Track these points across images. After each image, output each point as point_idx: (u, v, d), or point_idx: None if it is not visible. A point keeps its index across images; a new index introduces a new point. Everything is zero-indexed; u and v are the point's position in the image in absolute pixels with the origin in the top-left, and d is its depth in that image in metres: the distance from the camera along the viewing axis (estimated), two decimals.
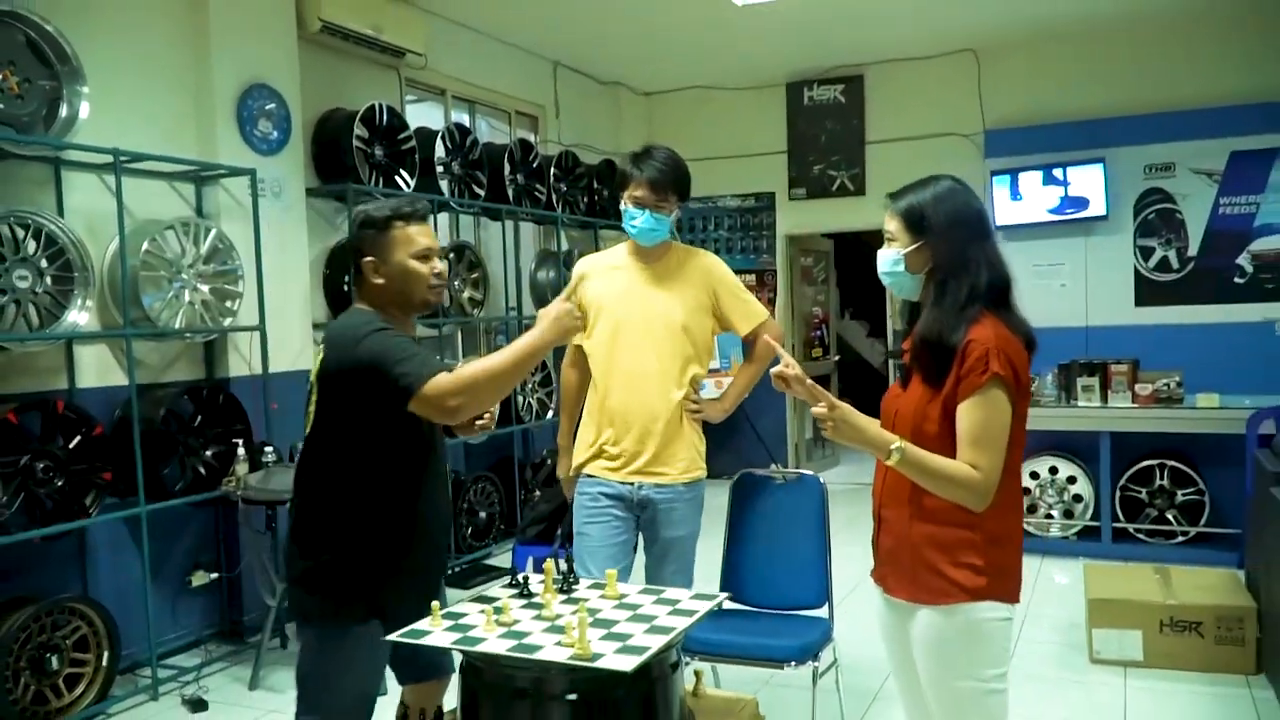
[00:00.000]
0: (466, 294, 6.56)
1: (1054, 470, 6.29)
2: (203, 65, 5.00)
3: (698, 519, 3.30)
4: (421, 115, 6.96)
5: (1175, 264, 7.64)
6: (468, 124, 7.31)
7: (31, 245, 4.09)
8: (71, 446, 4.16)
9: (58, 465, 4.10)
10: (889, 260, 2.30)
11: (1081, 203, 7.75)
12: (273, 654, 4.77)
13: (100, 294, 4.47)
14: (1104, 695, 4.07)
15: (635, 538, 3.30)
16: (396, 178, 6.01)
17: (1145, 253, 7.71)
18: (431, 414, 2.33)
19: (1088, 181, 7.71)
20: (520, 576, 2.47)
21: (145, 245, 4.49)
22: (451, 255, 6.43)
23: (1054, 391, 6.28)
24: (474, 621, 2.25)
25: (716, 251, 8.89)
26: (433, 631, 2.22)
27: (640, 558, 3.37)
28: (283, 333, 5.28)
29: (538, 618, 2.26)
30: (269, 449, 4.73)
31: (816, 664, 3.31)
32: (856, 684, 4.05)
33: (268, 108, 5.25)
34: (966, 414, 2.12)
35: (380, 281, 2.52)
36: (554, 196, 7.48)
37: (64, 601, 4.08)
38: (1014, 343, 2.17)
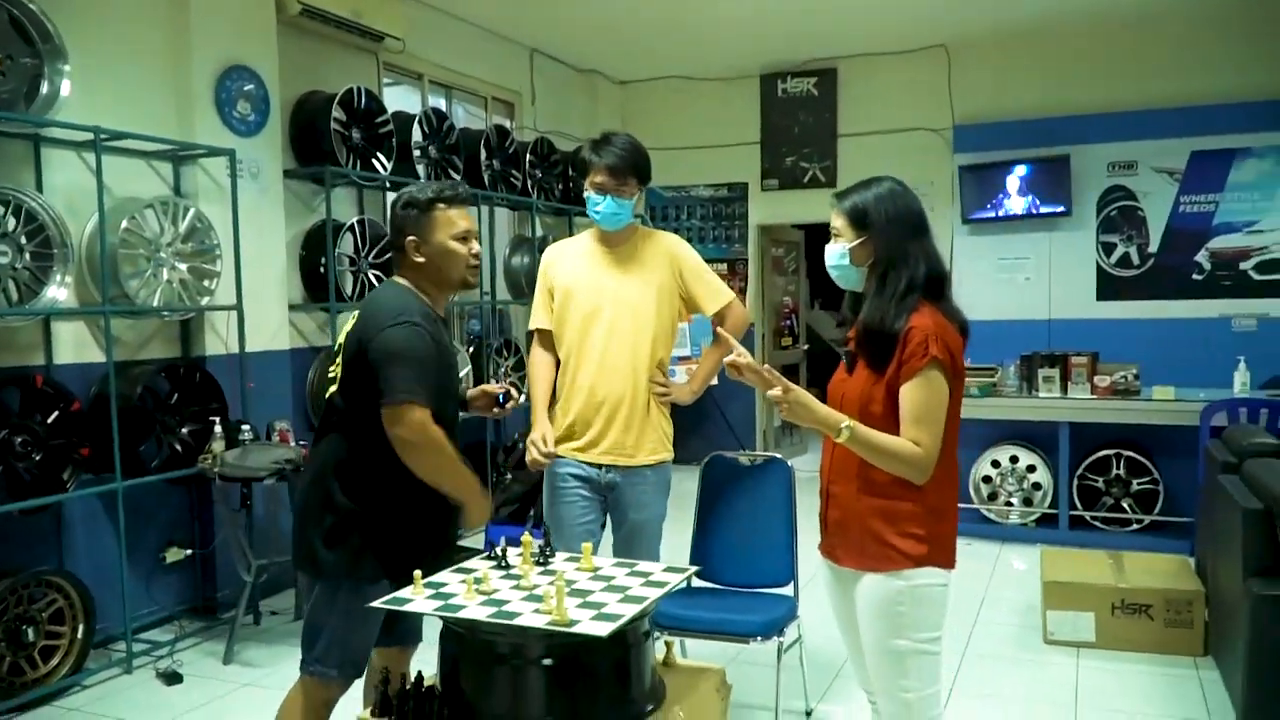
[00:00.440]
0: None
1: (1014, 459, 6.44)
2: (182, 46, 5.02)
3: (664, 502, 3.38)
4: (399, 99, 6.98)
5: (1136, 260, 7.82)
6: (444, 109, 7.34)
7: (11, 222, 4.11)
8: (50, 422, 4.20)
9: (36, 440, 4.14)
10: (835, 254, 2.46)
11: (1046, 198, 7.91)
12: (246, 630, 4.83)
13: (79, 271, 4.50)
14: (1057, 674, 4.22)
15: (603, 518, 3.38)
16: (374, 161, 6.04)
17: (1107, 248, 7.89)
18: (388, 426, 2.50)
19: (1053, 178, 7.87)
20: (498, 549, 2.56)
21: (124, 223, 4.52)
22: None
23: (1015, 382, 6.43)
24: (455, 590, 2.33)
25: (689, 241, 8.96)
26: (415, 599, 2.30)
27: (608, 539, 3.44)
28: (259, 313, 5.31)
29: (516, 587, 2.35)
30: (246, 427, 4.78)
31: (781, 640, 3.42)
32: (820, 660, 4.17)
33: (246, 89, 5.28)
34: (908, 394, 2.29)
35: (421, 260, 2.68)
36: (529, 183, 7.52)
37: (41, 574, 4.12)
38: (950, 330, 2.35)
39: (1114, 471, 6.18)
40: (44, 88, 4.30)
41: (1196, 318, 7.60)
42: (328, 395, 2.72)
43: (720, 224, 9.31)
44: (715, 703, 2.59)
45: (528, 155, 7.51)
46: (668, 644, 2.72)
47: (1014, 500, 6.46)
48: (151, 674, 4.33)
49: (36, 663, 4.08)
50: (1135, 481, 6.14)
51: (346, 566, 2.59)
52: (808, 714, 3.81)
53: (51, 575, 4.17)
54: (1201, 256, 7.65)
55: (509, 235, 7.93)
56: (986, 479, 6.50)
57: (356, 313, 2.70)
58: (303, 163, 5.85)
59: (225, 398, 4.97)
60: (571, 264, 3.37)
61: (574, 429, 3.30)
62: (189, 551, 4.99)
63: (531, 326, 3.47)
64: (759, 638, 3.35)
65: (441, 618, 2.24)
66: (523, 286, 7.60)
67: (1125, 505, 6.17)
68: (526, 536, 2.53)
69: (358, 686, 2.74)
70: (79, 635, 4.19)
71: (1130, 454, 6.13)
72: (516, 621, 2.13)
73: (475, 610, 2.20)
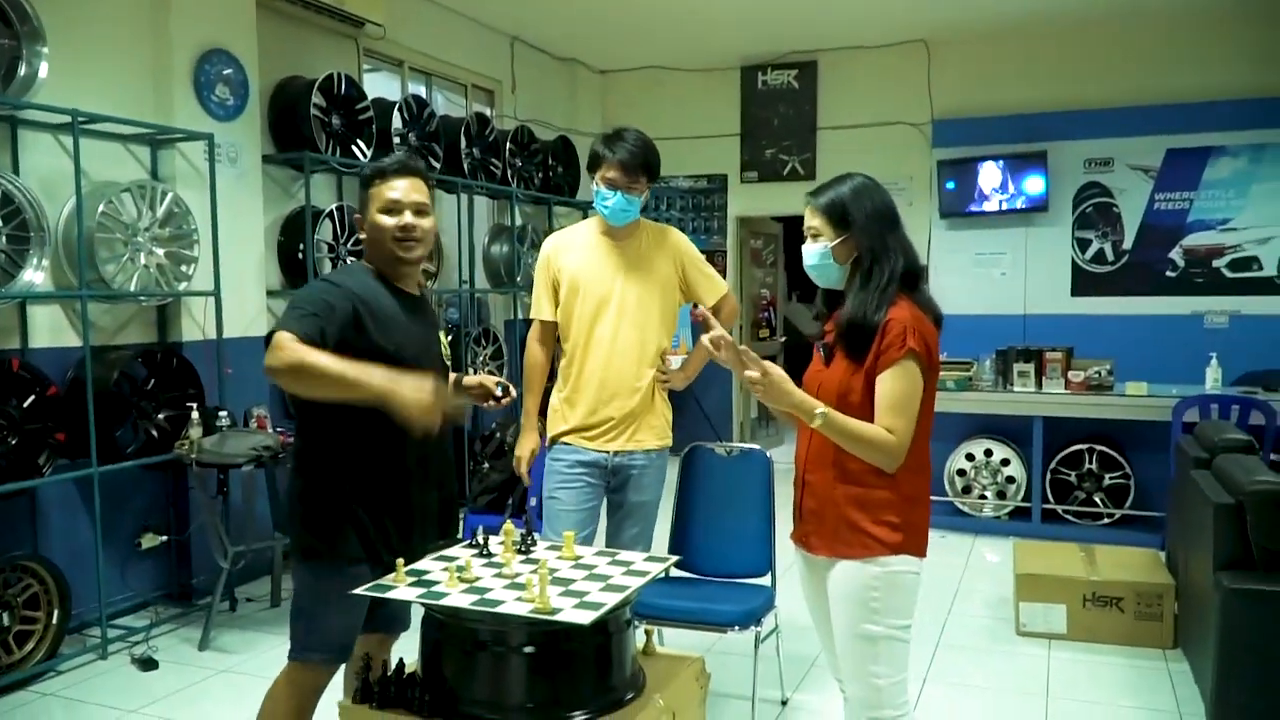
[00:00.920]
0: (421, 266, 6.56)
1: (989, 453, 6.50)
2: (161, 29, 4.99)
3: (662, 485, 3.48)
4: (378, 86, 6.96)
5: (1111, 256, 7.90)
6: (425, 96, 7.32)
7: None
8: (25, 406, 4.17)
9: (11, 424, 4.12)
10: (816, 254, 2.48)
11: (1023, 194, 7.97)
12: (222, 616, 4.82)
13: (55, 255, 4.47)
14: (1029, 665, 4.27)
15: (601, 505, 3.45)
16: (353, 148, 6.02)
17: (1083, 244, 7.97)
18: (267, 358, 2.39)
19: (1029, 174, 7.93)
20: (480, 537, 2.57)
21: (101, 207, 4.49)
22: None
23: (991, 376, 6.49)
24: (437, 578, 2.34)
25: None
26: (397, 586, 2.31)
27: (603, 522, 3.50)
28: (237, 298, 5.29)
29: (498, 575, 2.36)
30: (223, 413, 4.76)
31: (759, 629, 3.45)
32: (796, 650, 4.21)
33: (225, 73, 5.24)
34: (884, 384, 2.34)
35: (364, 238, 2.66)
36: (509, 171, 7.52)
37: (15, 559, 4.10)
38: (926, 322, 2.39)
39: (1086, 466, 6.25)
40: (22, 69, 4.27)
41: (1170, 314, 7.70)
42: None
43: (699, 215, 9.34)
44: (694, 691, 2.61)
45: (508, 144, 7.50)
46: (648, 632, 2.74)
47: (988, 493, 6.53)
48: (127, 660, 4.32)
49: (11, 648, 4.07)
50: (1107, 476, 6.22)
51: (319, 547, 2.60)
52: (784, 703, 3.85)
53: (26, 560, 4.15)
54: (1175, 254, 7.74)
55: (488, 224, 7.91)
56: (961, 472, 6.57)
57: None
58: (281, 148, 5.83)
59: (202, 384, 4.95)
60: (577, 255, 3.41)
61: (583, 419, 3.36)
62: (165, 538, 4.97)
63: (532, 316, 3.51)
64: (736, 627, 3.39)
65: (424, 605, 2.26)
66: (501, 275, 7.61)
67: (1097, 499, 6.25)
68: (508, 525, 2.55)
69: (339, 677, 2.75)
70: (54, 620, 4.18)
71: (1103, 449, 6.20)
72: (499, 610, 2.15)
73: (458, 598, 2.22)
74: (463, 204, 7.16)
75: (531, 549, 2.59)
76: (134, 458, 4.64)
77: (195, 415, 4.66)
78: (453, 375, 2.98)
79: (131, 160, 4.95)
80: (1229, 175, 7.58)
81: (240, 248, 5.34)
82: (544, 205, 8.24)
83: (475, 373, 6.94)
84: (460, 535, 2.77)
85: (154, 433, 4.76)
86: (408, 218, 2.60)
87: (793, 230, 10.22)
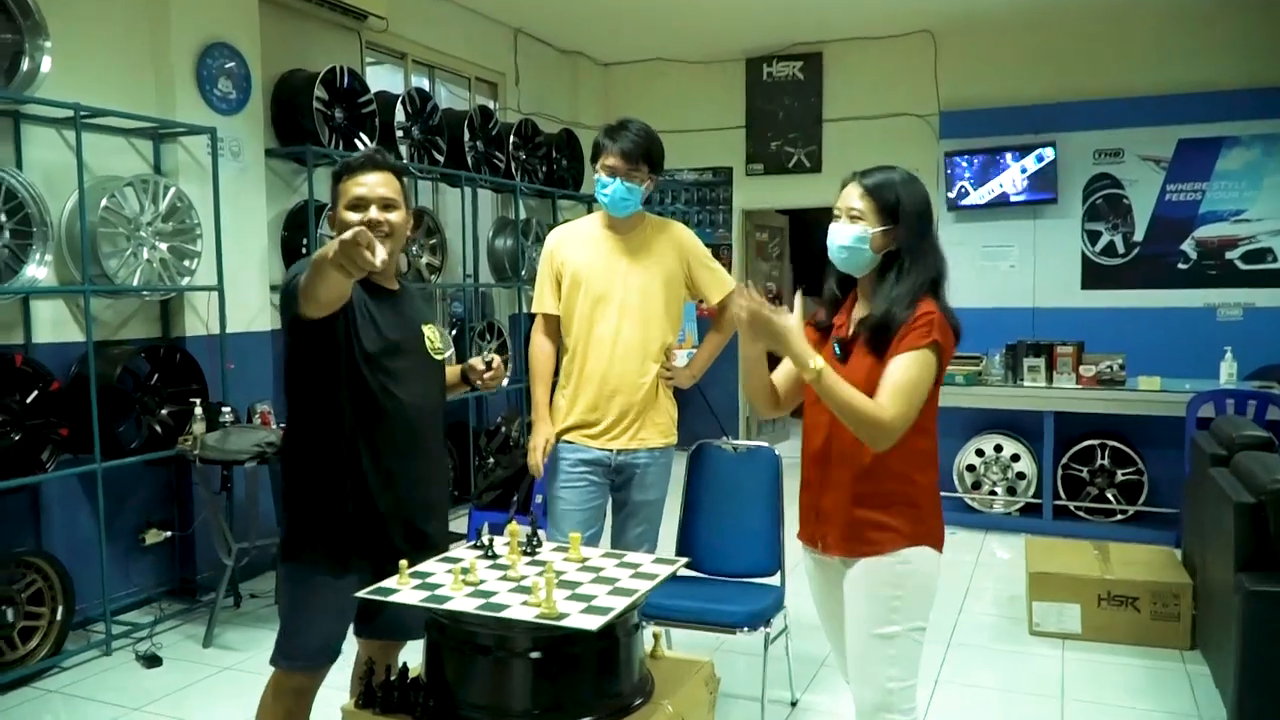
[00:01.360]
0: (424, 260, 6.55)
1: (999, 448, 6.45)
2: (163, 22, 4.95)
3: (667, 482, 3.44)
4: (381, 79, 6.92)
5: (1121, 249, 7.83)
6: (428, 89, 7.27)
7: None
8: (28, 401, 4.13)
9: (14, 419, 4.08)
10: (853, 235, 2.39)
11: (1032, 186, 7.90)
12: (226, 613, 4.79)
13: (58, 250, 4.44)
14: (1042, 666, 4.22)
15: (606, 504, 3.41)
16: (356, 141, 5.97)
17: (1092, 237, 7.90)
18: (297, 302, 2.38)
19: (1038, 165, 7.86)
20: (485, 539, 2.52)
21: (104, 202, 4.46)
22: (410, 207, 6.38)
23: (1001, 371, 6.42)
24: (441, 581, 2.30)
25: None
26: (400, 590, 2.27)
27: (608, 520, 3.47)
28: (240, 293, 5.25)
29: (503, 578, 2.31)
30: (226, 409, 4.72)
31: (768, 630, 3.41)
32: (806, 650, 4.16)
33: (227, 67, 5.21)
34: (897, 365, 2.28)
35: (332, 234, 2.59)
36: (513, 165, 7.47)
37: (19, 555, 4.07)
38: (948, 326, 2.35)
39: (1098, 461, 6.19)
40: (24, 64, 4.25)
41: (1182, 307, 7.62)
42: None
43: (704, 208, 9.28)
44: (704, 696, 2.56)
45: (511, 137, 7.45)
46: (656, 635, 2.70)
47: (998, 489, 6.47)
48: (130, 656, 4.29)
49: (15, 644, 4.04)
50: (1120, 472, 6.16)
51: (289, 550, 2.58)
52: (793, 704, 3.80)
53: (30, 556, 4.12)
54: (1187, 245, 7.67)
55: (492, 217, 7.86)
56: (970, 468, 6.51)
57: None
58: (284, 142, 5.79)
59: (205, 379, 4.92)
60: (580, 249, 3.37)
61: (585, 416, 3.32)
62: (168, 533, 4.94)
63: (535, 310, 3.47)
64: (745, 628, 3.34)
65: (427, 609, 2.21)
66: (505, 269, 7.56)
67: (1109, 495, 6.19)
68: (513, 526, 2.50)
69: (344, 678, 2.70)
70: (58, 617, 4.15)
71: (1115, 444, 6.14)
72: (505, 614, 2.10)
73: (462, 602, 2.17)
74: (466, 197, 7.11)
75: (537, 550, 2.55)
76: (137, 453, 4.61)
77: (198, 411, 4.62)
78: (451, 370, 2.94)
79: (134, 154, 4.91)
80: (1241, 166, 7.50)
81: (243, 242, 5.30)
82: (548, 199, 8.19)
83: (485, 351, 6.95)
84: (446, 548, 2.70)
85: (157, 428, 4.73)
86: (373, 213, 2.53)
87: (798, 223, 10.19)
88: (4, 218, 4.10)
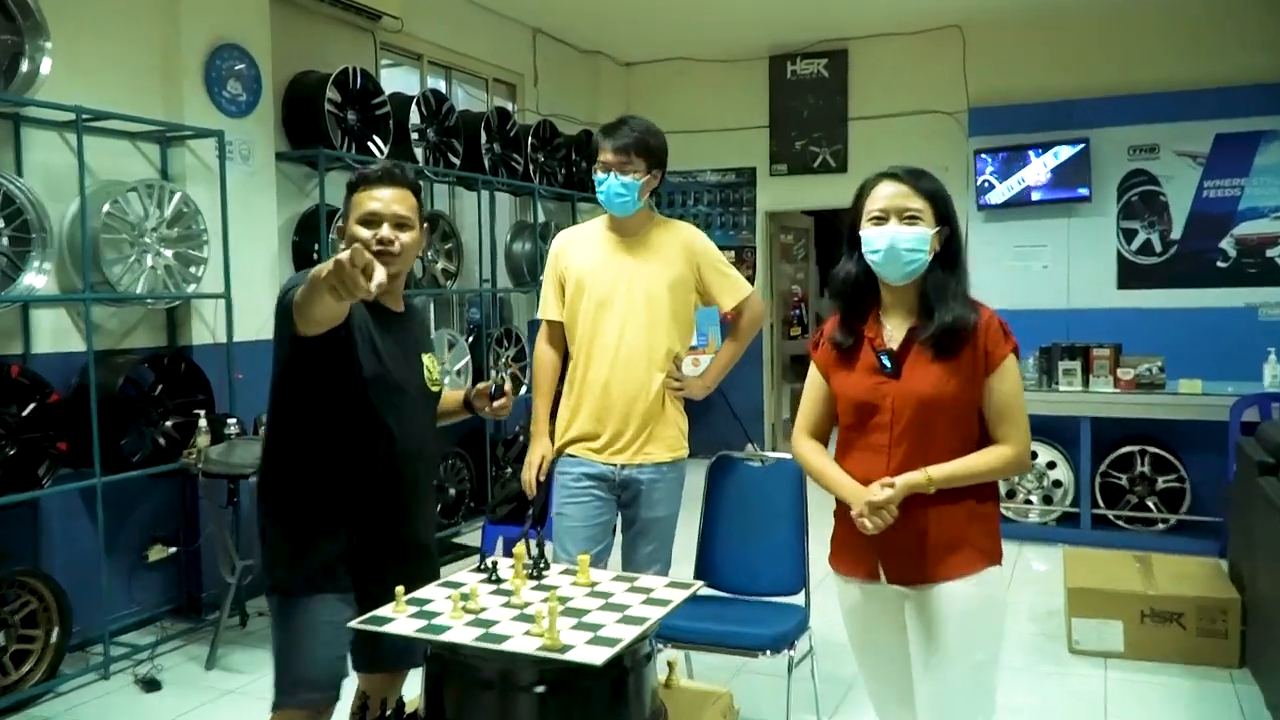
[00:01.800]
0: (440, 265, 6.43)
1: (1034, 455, 6.19)
2: (171, 23, 4.84)
3: (678, 499, 3.29)
4: (396, 81, 6.81)
5: (1158, 247, 7.60)
6: (444, 91, 7.16)
7: None
8: (25, 414, 4.02)
9: (10, 432, 3.97)
10: (917, 238, 2.24)
11: (1064, 184, 7.68)
12: (231, 632, 4.65)
13: (59, 256, 4.33)
14: (1083, 686, 4.02)
15: (615, 518, 3.28)
16: (370, 144, 5.87)
17: (1128, 235, 7.67)
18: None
19: (1071, 162, 7.64)
20: (489, 561, 2.37)
21: (107, 207, 4.35)
22: (425, 225, 6.26)
23: (1035, 375, 6.21)
24: (440, 609, 2.14)
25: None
26: (396, 619, 2.11)
27: (618, 538, 3.33)
28: (248, 301, 5.11)
29: (506, 605, 2.15)
30: (232, 421, 4.59)
31: (792, 653, 3.24)
32: (832, 672, 3.97)
33: (237, 68, 5.10)
34: (995, 388, 2.25)
35: (343, 245, 2.42)
36: (531, 167, 7.36)
37: (13, 575, 3.94)
38: None
39: (1138, 469, 5.98)
40: (24, 65, 4.14)
41: (1222, 307, 7.37)
42: None
43: (727, 210, 9.14)
44: None
45: (529, 139, 7.34)
46: (670, 664, 2.53)
47: (1033, 498, 6.26)
48: (130, 679, 4.15)
49: (8, 668, 3.90)
50: (1160, 479, 5.94)
51: (275, 582, 2.43)
52: None
53: (25, 576, 3.99)
54: (1226, 243, 7.42)
55: (510, 221, 7.74)
56: None
57: None
58: (295, 145, 5.68)
59: (212, 390, 4.79)
60: (583, 251, 3.27)
61: (587, 428, 3.20)
62: (173, 549, 4.80)
63: (539, 316, 3.37)
64: (768, 651, 3.16)
65: (423, 641, 2.05)
66: (524, 274, 7.43)
67: (1150, 504, 5.97)
68: (519, 548, 2.34)
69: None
70: (53, 639, 4.01)
71: (1155, 450, 5.92)
72: (505, 646, 1.94)
73: (461, 632, 2.01)
74: (483, 201, 6.99)
75: (544, 573, 2.38)
76: (140, 466, 4.48)
77: (203, 423, 4.50)
78: (452, 395, 2.77)
79: (139, 158, 4.80)
80: None
81: (252, 248, 5.18)
82: (567, 201, 8.07)
83: (497, 374, 6.83)
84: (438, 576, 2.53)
85: (161, 441, 4.61)
86: (385, 230, 2.41)
87: (824, 224, 10.05)
88: (2, 224, 3.99)
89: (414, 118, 6.22)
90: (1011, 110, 7.89)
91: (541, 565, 2.39)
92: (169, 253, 4.65)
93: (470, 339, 6.80)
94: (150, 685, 4.06)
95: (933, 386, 2.23)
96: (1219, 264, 7.44)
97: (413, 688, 2.25)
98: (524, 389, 6.96)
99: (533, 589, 2.26)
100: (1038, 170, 7.75)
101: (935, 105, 8.26)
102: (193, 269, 4.77)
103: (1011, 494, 6.28)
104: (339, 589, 2.39)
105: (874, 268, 2.29)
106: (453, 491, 6.53)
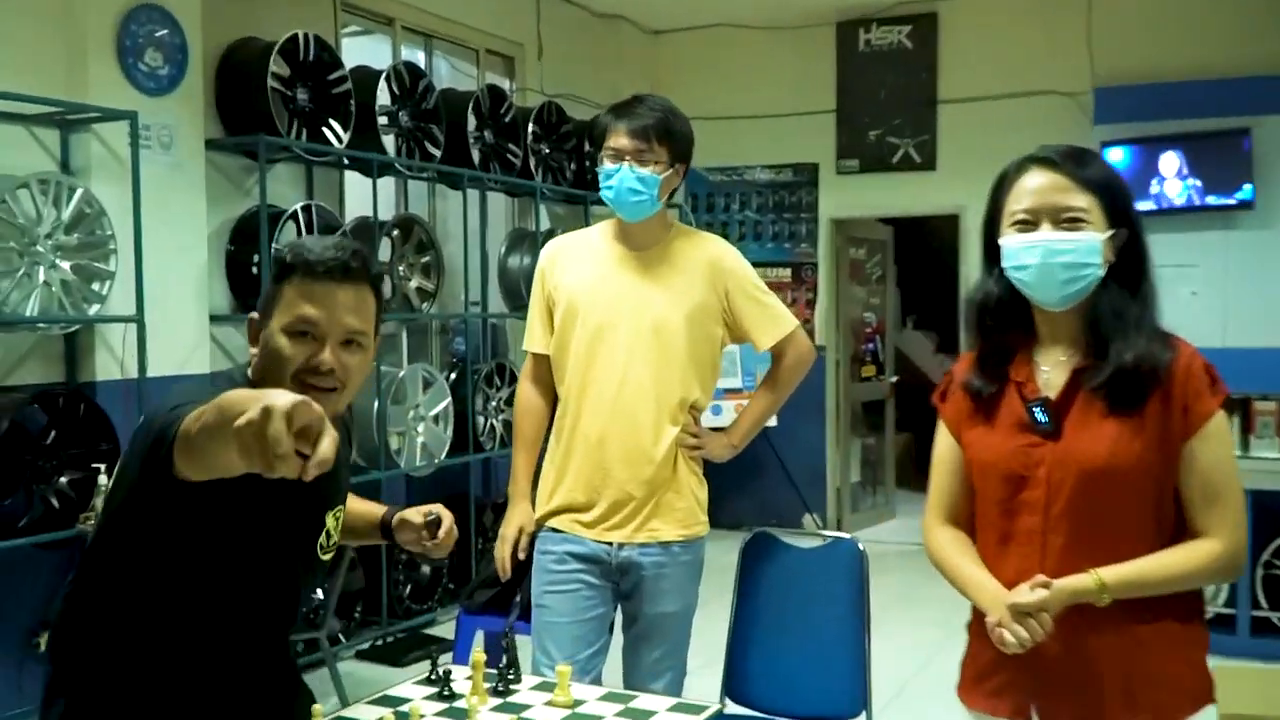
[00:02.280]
0: (414, 283, 6.46)
1: None
2: None
3: (694, 590, 3.27)
4: (361, 52, 6.91)
5: None
6: (422, 65, 7.24)
7: None
8: None
9: None
10: (1080, 247, 2.10)
11: (1219, 187, 7.61)
12: None
13: None
14: None
15: (613, 612, 3.25)
16: (326, 130, 5.93)
17: None
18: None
19: (1228, 159, 7.57)
20: (441, 670, 2.33)
21: None
22: (396, 232, 6.31)
23: None
24: None
25: (740, 239, 8.81)
26: None
27: (618, 637, 3.30)
28: (169, 326, 5.16)
29: None
30: None
31: None
32: None
33: (157, 34, 5.15)
34: (1198, 456, 2.07)
35: (253, 350, 2.18)
36: (532, 160, 7.40)
37: None
38: None
39: None
40: None
41: None
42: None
43: (781, 217, 9.16)
44: None
45: (530, 125, 7.38)
46: None
47: None
48: None
49: None
50: None
51: None
52: None
53: None
54: None
55: (505, 229, 7.80)
56: None
57: None
58: (231, 131, 5.75)
59: (118, 437, 4.79)
60: (577, 266, 3.26)
61: (576, 495, 3.18)
62: None
63: (525, 347, 3.37)
64: None
65: None
66: (522, 295, 7.42)
67: None
68: (477, 654, 2.28)
69: None
70: None
71: None
72: None
73: None
74: (471, 202, 7.02)
75: (513, 687, 2.34)
76: (27, 533, 4.49)
77: (105, 479, 4.50)
78: (363, 509, 2.59)
79: (33, 147, 4.86)
80: None
81: (174, 259, 5.22)
82: (578, 204, 8.11)
83: (484, 420, 6.78)
84: None
85: (54, 501, 4.61)
86: (325, 355, 2.08)
87: (906, 235, 9.99)
88: None
89: (382, 97, 6.27)
90: (1149, 91, 7.81)
91: (510, 676, 2.35)
92: (66, 265, 4.67)
93: (452, 376, 6.80)
94: None
95: (1106, 452, 2.06)
96: None
97: None
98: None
99: (494, 709, 2.21)
100: (1183, 169, 7.69)
101: (1050, 84, 8.26)
102: (96, 285, 4.80)
103: None
104: None
105: (1021, 288, 2.16)
106: (427, 570, 6.53)
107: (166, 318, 5.13)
